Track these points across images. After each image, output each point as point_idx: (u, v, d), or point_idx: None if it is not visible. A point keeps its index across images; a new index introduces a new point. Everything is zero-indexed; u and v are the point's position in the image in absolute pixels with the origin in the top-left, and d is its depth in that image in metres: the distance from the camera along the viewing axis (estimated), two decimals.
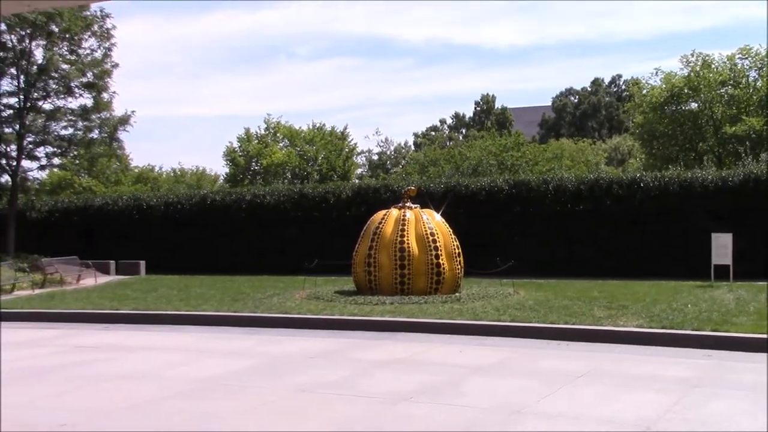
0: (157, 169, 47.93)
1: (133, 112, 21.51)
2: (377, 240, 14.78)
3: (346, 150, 39.80)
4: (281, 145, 39.31)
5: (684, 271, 17.49)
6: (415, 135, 60.22)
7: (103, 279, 20.02)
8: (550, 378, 7.89)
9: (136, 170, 44.55)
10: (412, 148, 55.41)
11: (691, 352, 9.45)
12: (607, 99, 65.78)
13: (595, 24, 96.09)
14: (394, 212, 15.17)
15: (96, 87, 21.09)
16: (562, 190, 19.07)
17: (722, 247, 15.96)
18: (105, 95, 21.56)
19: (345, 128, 40.57)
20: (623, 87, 66.38)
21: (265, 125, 39.47)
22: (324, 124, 39.77)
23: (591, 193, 18.80)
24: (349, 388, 7.54)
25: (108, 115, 21.22)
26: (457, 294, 14.55)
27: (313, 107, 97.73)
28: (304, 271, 16.75)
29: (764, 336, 9.73)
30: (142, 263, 21.44)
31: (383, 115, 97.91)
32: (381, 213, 15.40)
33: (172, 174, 51.79)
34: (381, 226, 14.93)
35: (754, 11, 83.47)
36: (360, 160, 47.81)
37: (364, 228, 15.37)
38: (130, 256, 22.01)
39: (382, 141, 51.05)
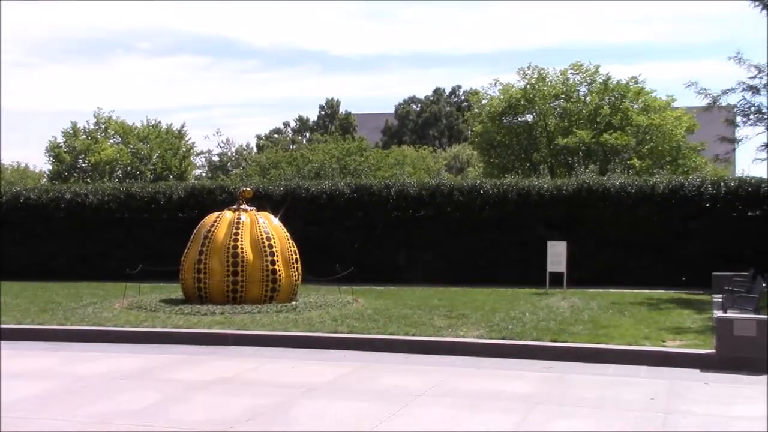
0: None
1: None
2: (208, 244, 13.69)
3: (183, 149, 37.95)
4: (112, 141, 36.89)
5: (520, 278, 17.59)
6: (258, 137, 58.81)
7: None
8: (390, 398, 7.27)
9: None
10: (255, 150, 54.02)
11: (531, 363, 9.17)
12: (447, 108, 67.25)
13: (438, 37, 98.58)
14: (227, 215, 14.14)
15: None
16: (404, 195, 18.72)
17: (557, 254, 16.18)
18: None
19: (182, 126, 38.78)
20: (463, 97, 68.20)
21: (95, 120, 36.87)
22: (159, 122, 37.72)
23: (432, 199, 18.59)
24: (159, 417, 6.53)
25: None
26: (293, 302, 13.73)
27: (151, 105, 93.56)
28: (129, 278, 15.31)
29: (599, 346, 9.66)
30: None
31: (226, 116, 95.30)
32: (213, 215, 14.31)
33: None
34: (213, 229, 13.85)
35: (586, 31, 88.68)
36: (199, 161, 45.97)
37: (195, 231, 14.22)
38: None
39: (222, 142, 49.31)
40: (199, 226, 14.27)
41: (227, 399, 7.20)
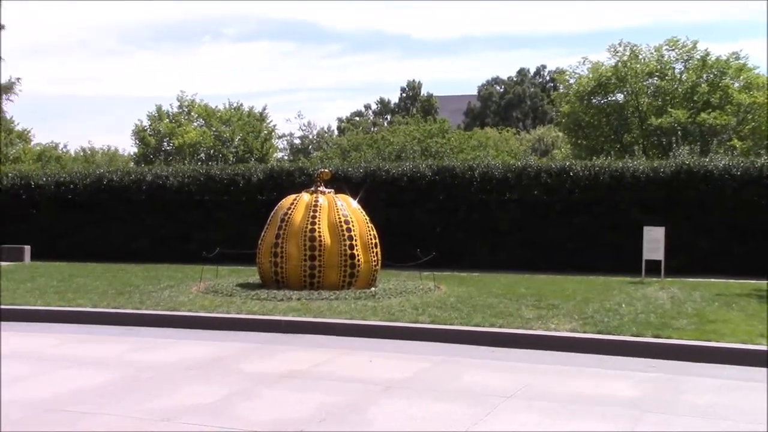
0: (61, 147, 44.90)
1: (18, 79, 19.13)
2: (285, 227, 13.23)
3: (265, 132, 37.91)
4: (195, 124, 37.16)
5: (613, 265, 16.59)
6: (340, 120, 58.60)
7: None
8: (475, 399, 6.56)
9: (38, 148, 41.51)
10: (336, 133, 53.83)
11: (631, 362, 8.29)
12: (532, 89, 65.52)
13: (522, 18, 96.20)
14: (305, 197, 13.64)
15: None
16: (488, 177, 17.88)
17: (654, 241, 15.09)
18: None
19: (264, 109, 38.77)
20: (548, 78, 66.23)
21: (179, 103, 37.20)
22: (242, 104, 37.74)
23: (518, 181, 17.68)
24: (224, 414, 6.01)
25: None
26: (372, 289, 13.16)
27: (235, 90, 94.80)
28: (207, 261, 15.03)
29: (709, 344, 8.69)
30: (27, 248, 19.20)
31: (309, 100, 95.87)
32: (290, 197, 13.85)
33: (81, 153, 48.90)
34: (290, 212, 13.37)
35: (678, 9, 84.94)
36: (281, 144, 46.04)
37: (272, 214, 13.80)
38: (17, 241, 19.77)
39: (304, 125, 49.29)
40: (276, 208, 13.84)
41: (299, 395, 6.65)
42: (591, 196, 17.23)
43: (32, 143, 41.21)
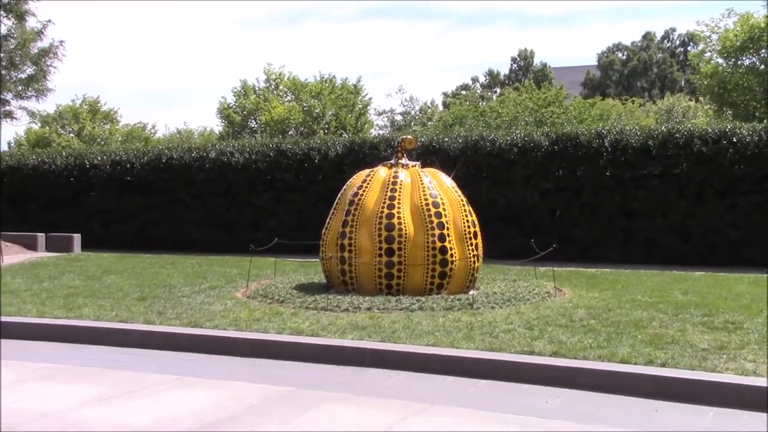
0: (149, 128, 43.17)
1: (61, 42, 16.74)
2: (355, 213, 10.01)
3: (360, 105, 34.75)
4: (285, 99, 34.47)
5: None
6: (445, 95, 54.89)
7: (19, 257, 15.54)
8: None
9: (126, 128, 39.93)
10: (441, 108, 50.28)
11: None
12: (659, 55, 59.51)
13: None
14: (381, 172, 10.37)
15: (12, 9, 16.15)
16: (622, 147, 14.07)
17: None
18: (30, 21, 16.73)
19: (358, 81, 35.54)
20: (678, 42, 60.13)
21: (265, 77, 34.55)
22: (334, 76, 34.66)
23: (663, 151, 13.80)
24: None
25: (23, 43, 16.35)
26: (471, 293, 9.76)
27: (344, 71, 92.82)
28: (275, 251, 12.04)
29: None
30: (77, 237, 16.82)
31: (416, 78, 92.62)
32: (363, 173, 10.59)
33: (177, 135, 47.59)
34: (361, 192, 10.14)
35: None
36: (381, 121, 42.95)
37: (339, 194, 10.61)
38: (69, 227, 17.50)
39: (406, 100, 45.81)
40: (344, 187, 10.63)
41: None
42: (762, 169, 13.20)
43: (120, 124, 39.80)
